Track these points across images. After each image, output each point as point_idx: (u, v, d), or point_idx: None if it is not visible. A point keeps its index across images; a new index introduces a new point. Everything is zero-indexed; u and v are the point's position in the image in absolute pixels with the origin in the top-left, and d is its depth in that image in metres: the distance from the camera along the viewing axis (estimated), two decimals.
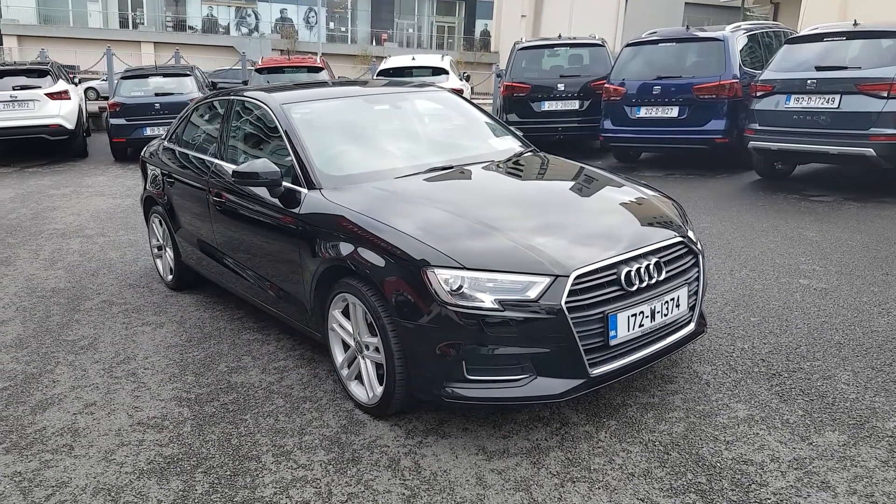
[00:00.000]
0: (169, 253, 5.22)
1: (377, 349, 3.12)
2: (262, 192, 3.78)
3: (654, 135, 9.00)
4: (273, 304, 4.01)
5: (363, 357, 3.26)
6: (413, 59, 12.69)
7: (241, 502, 2.70)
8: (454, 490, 2.70)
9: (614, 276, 2.90)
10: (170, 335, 4.42)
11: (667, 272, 3.07)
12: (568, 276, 2.78)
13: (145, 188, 5.42)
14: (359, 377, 3.35)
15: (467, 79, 13.95)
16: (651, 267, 3.00)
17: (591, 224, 3.24)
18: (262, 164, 3.63)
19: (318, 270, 3.39)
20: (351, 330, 3.30)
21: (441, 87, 4.76)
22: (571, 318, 2.75)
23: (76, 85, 13.62)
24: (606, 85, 9.55)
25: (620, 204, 3.51)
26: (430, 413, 3.26)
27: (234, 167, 4.07)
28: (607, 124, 9.49)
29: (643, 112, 9.09)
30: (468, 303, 2.77)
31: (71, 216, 7.93)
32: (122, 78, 11.97)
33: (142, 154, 5.66)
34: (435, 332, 2.84)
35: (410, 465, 2.88)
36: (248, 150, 4.29)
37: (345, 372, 3.42)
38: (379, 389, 3.16)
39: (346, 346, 3.42)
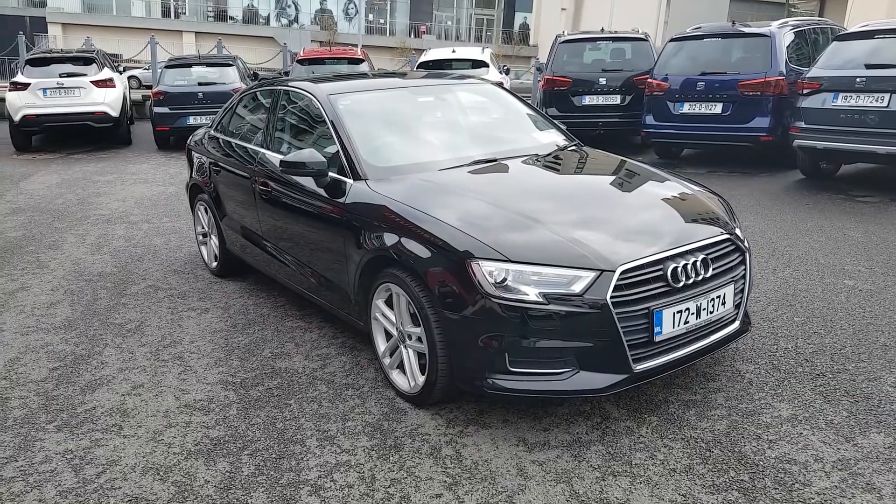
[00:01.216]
0: (214, 240, 5.32)
1: (420, 339, 3.15)
2: (307, 181, 3.84)
3: (697, 131, 8.88)
4: (316, 292, 4.07)
5: (405, 347, 3.29)
6: (453, 51, 12.69)
7: (286, 485, 2.76)
8: (495, 479, 2.72)
9: (660, 272, 2.89)
10: (215, 321, 4.51)
11: (713, 269, 3.05)
12: (614, 271, 2.78)
13: (191, 176, 5.53)
14: (400, 366, 3.39)
15: (507, 72, 13.90)
16: (698, 263, 2.98)
17: (636, 219, 3.22)
18: (309, 154, 3.68)
19: (362, 261, 3.43)
20: (394, 319, 3.34)
21: (485, 80, 4.76)
22: (616, 314, 2.75)
23: (120, 73, 13.90)
24: (649, 80, 9.44)
25: (667, 199, 3.48)
26: (470, 403, 3.29)
27: (280, 157, 4.14)
28: (649, 120, 9.39)
29: (686, 108, 8.97)
30: (512, 295, 2.79)
31: (116, 202, 8.12)
32: (166, 67, 12.19)
33: (188, 143, 5.77)
34: (478, 324, 2.86)
35: (452, 453, 2.91)
36: (293, 140, 4.35)
37: (387, 361, 3.46)
38: (421, 379, 3.19)
39: (388, 336, 3.47)
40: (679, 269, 2.91)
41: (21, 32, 17.80)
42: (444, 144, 4.02)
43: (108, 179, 9.49)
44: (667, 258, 2.92)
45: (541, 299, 2.75)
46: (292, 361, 3.87)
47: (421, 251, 3.08)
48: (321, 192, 3.74)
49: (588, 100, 10.58)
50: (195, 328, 4.40)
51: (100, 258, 5.98)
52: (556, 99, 10.69)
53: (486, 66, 12.03)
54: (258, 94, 5.03)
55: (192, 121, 11.38)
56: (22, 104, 11.25)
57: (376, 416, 3.23)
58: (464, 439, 3.01)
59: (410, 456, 2.91)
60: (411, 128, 4.15)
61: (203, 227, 5.49)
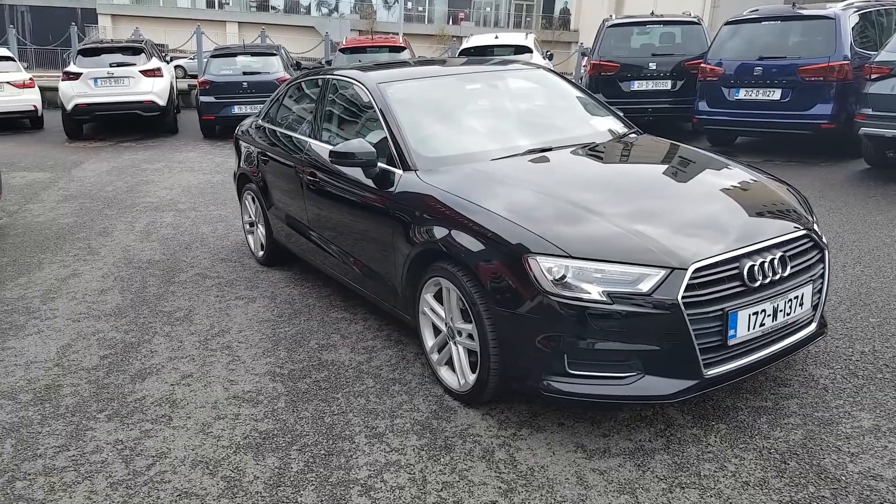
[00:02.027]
0: (261, 229, 5.28)
1: (471, 336, 3.04)
2: (356, 172, 3.75)
3: (754, 118, 8.54)
4: (362, 284, 3.99)
5: (455, 343, 3.18)
6: (496, 37, 12.46)
7: (336, 483, 2.68)
8: (553, 488, 2.60)
9: (736, 271, 2.71)
10: (262, 310, 4.47)
11: (791, 268, 2.85)
12: (686, 269, 2.61)
13: (239, 165, 5.50)
14: (449, 363, 3.28)
15: (550, 57, 13.62)
16: (775, 262, 2.79)
17: (706, 212, 3.04)
18: (359, 145, 3.59)
19: (411, 253, 3.33)
20: (443, 315, 3.23)
21: (537, 65, 4.60)
22: (688, 315, 2.59)
23: (168, 63, 14.06)
24: (703, 65, 9.12)
25: (739, 191, 3.29)
26: (522, 403, 3.17)
27: (329, 147, 4.07)
28: (702, 106, 9.08)
29: (742, 94, 8.63)
30: (573, 294, 2.65)
31: (163, 190, 8.19)
32: (212, 56, 12.27)
33: (235, 132, 5.74)
34: (535, 323, 2.73)
35: (505, 457, 2.80)
36: (341, 130, 4.26)
37: (435, 357, 3.36)
38: (471, 377, 3.08)
39: (436, 331, 3.36)
40: (756, 268, 2.73)
41: (73, 24, 18.14)
42: (495, 133, 3.88)
43: (156, 167, 9.59)
44: (742, 255, 2.74)
45: (604, 298, 2.61)
46: (338, 354, 3.80)
47: (473, 245, 2.96)
48: (369, 182, 3.65)
49: (637, 85, 10.28)
50: (242, 317, 4.37)
51: (148, 245, 6.01)
52: (603, 84, 10.41)
53: (530, 51, 11.78)
54: (306, 83, 4.96)
55: (237, 110, 11.42)
56: (74, 93, 11.45)
57: (425, 414, 3.13)
58: (517, 443, 2.89)
59: (462, 458, 2.81)
60: (462, 116, 4.02)
61: (250, 217, 5.46)
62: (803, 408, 3.06)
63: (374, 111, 3.86)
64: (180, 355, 3.86)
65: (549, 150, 3.67)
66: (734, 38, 8.94)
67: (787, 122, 8.27)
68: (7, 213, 7.25)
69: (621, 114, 4.35)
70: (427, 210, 3.25)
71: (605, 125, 4.13)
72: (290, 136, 4.69)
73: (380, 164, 3.62)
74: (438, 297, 3.27)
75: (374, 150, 3.57)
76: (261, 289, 4.88)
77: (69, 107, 11.50)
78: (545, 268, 2.69)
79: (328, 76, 4.54)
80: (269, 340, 4.01)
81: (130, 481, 2.75)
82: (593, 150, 3.75)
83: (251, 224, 5.50)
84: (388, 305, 3.75)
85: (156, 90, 11.82)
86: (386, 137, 3.68)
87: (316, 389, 3.41)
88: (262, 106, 11.11)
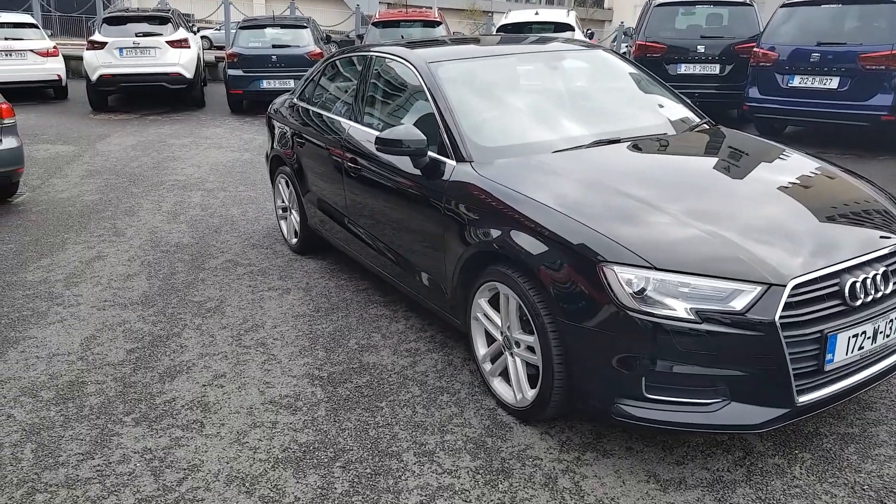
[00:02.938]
0: (295, 216, 5.03)
1: (531, 349, 2.77)
2: (402, 160, 3.46)
3: (808, 107, 8.10)
4: (404, 281, 3.72)
5: (512, 354, 2.92)
6: (536, 14, 12.01)
7: None
8: None
9: (836, 288, 2.41)
10: (297, 303, 4.23)
11: (895, 283, 2.55)
12: (784, 286, 2.32)
13: (272, 147, 5.23)
14: (504, 374, 3.02)
15: (590, 36, 13.16)
16: (878, 277, 2.49)
17: (803, 220, 2.73)
18: (407, 131, 3.30)
19: (464, 254, 3.05)
20: (499, 323, 2.96)
21: (597, 45, 4.26)
22: (784, 337, 2.30)
23: (195, 33, 13.79)
24: (756, 49, 8.67)
25: (835, 195, 2.98)
26: (584, 422, 2.90)
27: (371, 131, 3.79)
28: (753, 92, 8.64)
29: (797, 81, 8.19)
30: (655, 310, 2.36)
31: (191, 168, 7.96)
32: (240, 28, 11.96)
33: (268, 111, 5.46)
34: (609, 340, 2.45)
35: (570, 486, 2.54)
36: (386, 113, 3.97)
37: (487, 367, 3.09)
38: (530, 393, 2.81)
39: (489, 338, 3.10)
40: (857, 285, 2.42)
41: None
42: (557, 121, 3.57)
43: (183, 143, 9.37)
44: (844, 270, 2.44)
45: (691, 316, 2.32)
46: (380, 356, 3.55)
47: (537, 249, 2.68)
48: (417, 172, 3.37)
49: (684, 68, 9.84)
50: (277, 310, 4.13)
51: (176, 227, 5.79)
52: (649, 67, 9.89)
53: (572, 29, 11.33)
54: (345, 60, 4.66)
55: (265, 84, 11.15)
56: (99, 63, 11.23)
57: (477, 431, 2.88)
58: (582, 468, 2.63)
59: (522, 485, 2.55)
60: (519, 101, 3.71)
61: (283, 202, 5.21)
62: (894, 437, 2.76)
63: (423, 93, 3.57)
64: (212, 352, 3.64)
65: (617, 141, 3.36)
66: (790, 21, 8.48)
67: (843, 112, 7.83)
68: (30, 188, 7.07)
69: (690, 101, 4.02)
70: (483, 207, 2.97)
71: (675, 114, 3.80)
72: (329, 118, 4.41)
73: (430, 154, 3.34)
74: (494, 303, 3.00)
75: (423, 137, 3.29)
76: (295, 279, 4.64)
77: (94, 77, 11.28)
78: (623, 279, 2.40)
79: (370, 53, 4.24)
80: (305, 338, 3.77)
81: (160, 498, 2.53)
82: (667, 143, 3.44)
83: (284, 209, 5.25)
84: (434, 306, 3.49)
85: (182, 62, 11.56)
86: (436, 123, 3.39)
87: (358, 396, 3.16)
88: (291, 81, 11.04)
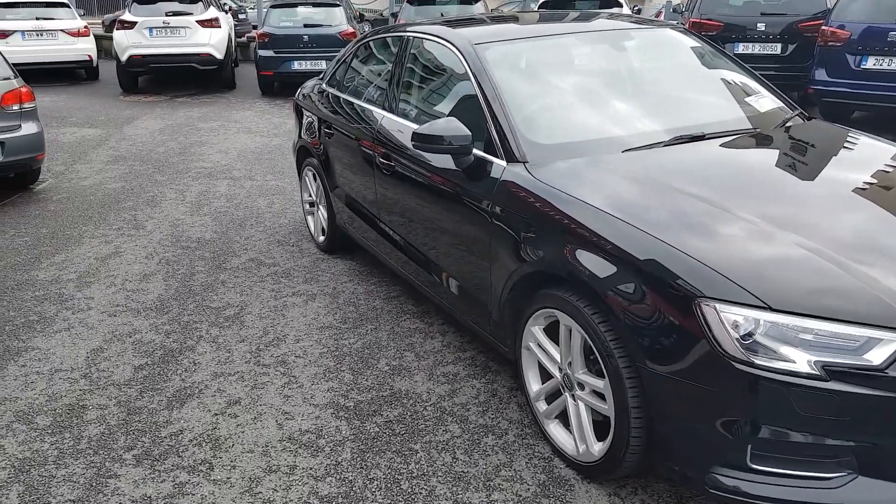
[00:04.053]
0: (322, 212, 4.61)
1: (599, 395, 2.31)
2: (443, 158, 3.00)
3: (884, 91, 7.39)
4: (441, 295, 3.29)
5: (574, 397, 2.45)
6: None
7: None
8: None
9: None
10: (322, 312, 3.82)
11: None
12: None
13: (299, 136, 4.80)
14: (561, 416, 2.57)
15: (638, 12, 12.45)
16: None
17: None
18: (449, 126, 2.84)
19: (516, 272, 2.59)
20: (557, 357, 2.50)
21: (664, 22, 3.72)
22: None
23: (226, 13, 13.42)
24: (824, 27, 7.95)
25: None
26: (660, 482, 2.43)
27: (409, 123, 3.34)
28: (820, 74, 7.94)
29: (871, 63, 7.48)
30: (768, 362, 1.88)
31: (218, 154, 7.60)
32: (271, 7, 11.54)
33: (296, 96, 5.03)
34: (705, 395, 1.98)
35: None
36: (425, 103, 3.51)
37: (541, 407, 2.64)
38: (596, 447, 2.35)
39: (544, 373, 2.64)
40: None
41: None
42: (626, 113, 3.07)
43: (212, 127, 9.01)
44: None
45: (816, 371, 1.83)
46: (414, 381, 3.12)
47: (610, 275, 2.21)
48: (461, 173, 2.91)
49: (742, 48, 9.14)
50: (301, 321, 3.73)
51: (199, 220, 5.42)
52: None
53: (619, 4, 10.67)
54: (378, 42, 4.19)
55: (296, 66, 10.72)
56: (129, 44, 10.92)
57: (531, 488, 2.43)
58: None
59: None
60: (581, 89, 3.20)
61: (311, 196, 4.79)
62: None
63: (467, 80, 3.09)
64: (227, 370, 3.25)
65: (701, 138, 2.84)
66: None
67: None
68: (53, 174, 6.78)
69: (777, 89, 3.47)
70: (541, 219, 2.50)
71: (764, 104, 3.25)
72: (360, 107, 3.96)
73: (475, 152, 2.87)
74: (552, 333, 2.54)
75: (468, 133, 2.81)
76: (321, 283, 4.23)
77: (123, 58, 10.98)
78: (729, 321, 1.92)
79: (406, 33, 3.77)
80: (330, 355, 3.36)
81: None
82: (762, 141, 2.91)
83: (311, 204, 4.83)
84: (476, 327, 3.04)
85: (213, 42, 11.19)
86: (483, 116, 2.92)
87: (389, 435, 2.74)
88: (323, 62, 10.59)
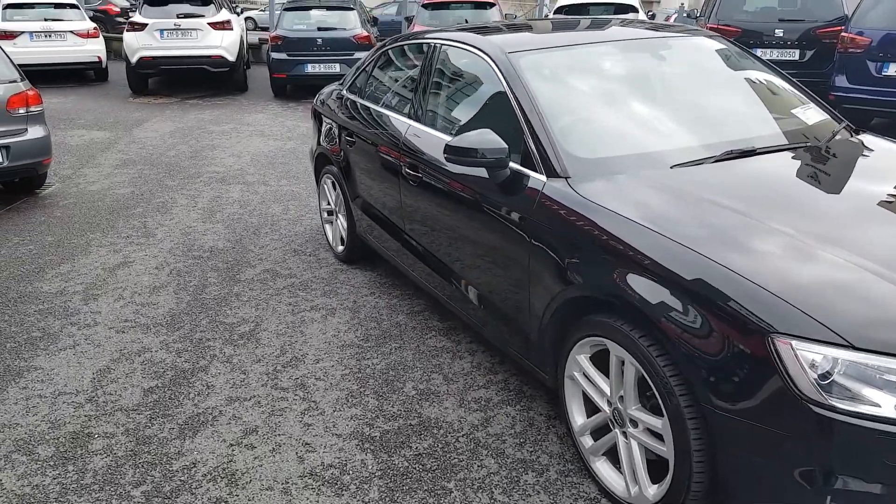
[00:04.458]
0: (341, 221, 4.41)
1: (655, 434, 2.09)
2: (477, 171, 2.79)
3: None
4: (472, 314, 3.08)
5: (626, 434, 2.24)
6: None
7: None
8: None
9: None
10: (343, 328, 3.62)
11: None
12: None
13: (318, 143, 4.60)
14: (610, 454, 2.35)
15: (652, 17, 12.24)
16: None
17: None
18: (483, 138, 2.63)
19: (558, 296, 2.39)
20: (607, 390, 2.29)
21: (701, 30, 3.50)
22: None
23: (238, 14, 13.27)
24: (844, 34, 7.73)
25: None
26: None
27: (438, 133, 3.16)
28: (840, 81, 7.71)
29: (893, 70, 7.25)
30: (849, 405, 1.67)
31: (231, 158, 7.42)
32: (285, 9, 11.37)
33: (314, 102, 4.83)
34: (777, 439, 1.77)
35: None
36: (454, 114, 3.30)
37: (587, 442, 2.42)
38: (652, 490, 2.14)
39: (589, 403, 2.43)
40: None
41: None
42: (670, 125, 2.85)
43: (224, 130, 8.84)
44: None
45: None
46: (443, 408, 2.91)
47: (669, 303, 2.00)
48: (496, 188, 2.70)
49: (759, 54, 8.88)
50: (320, 338, 3.53)
51: (212, 228, 5.23)
52: None
53: (636, 10, 10.46)
54: (402, 49, 3.99)
55: (310, 69, 10.55)
56: (139, 45, 10.77)
57: None
58: None
59: None
60: (622, 100, 2.99)
61: (329, 204, 4.59)
62: None
63: (501, 91, 2.88)
64: (243, 395, 3.04)
65: (752, 153, 2.63)
66: (884, 2, 7.53)
67: None
68: (60, 178, 6.61)
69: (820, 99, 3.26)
70: (587, 239, 2.29)
71: (810, 116, 3.04)
72: (384, 116, 3.76)
73: (512, 165, 2.67)
74: (599, 363, 2.32)
75: (504, 146, 2.61)
76: (340, 296, 4.02)
77: (133, 60, 10.83)
78: (806, 359, 1.71)
79: (433, 41, 3.56)
80: (353, 377, 3.16)
81: None
82: (815, 156, 2.70)
83: (330, 213, 4.63)
84: (513, 351, 2.83)
85: (225, 44, 11.03)
86: (520, 128, 2.71)
87: (419, 470, 2.53)
88: (337, 65, 10.42)
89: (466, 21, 9.76)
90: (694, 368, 1.92)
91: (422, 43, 3.71)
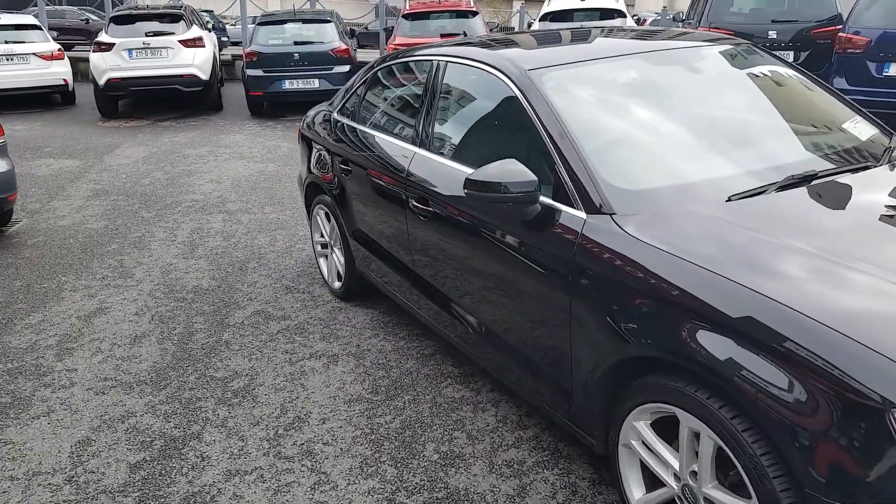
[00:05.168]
0: (337, 255, 4.08)
1: None
2: (502, 206, 2.47)
3: None
4: (493, 362, 2.77)
5: None
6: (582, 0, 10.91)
7: None
8: None
9: None
10: (348, 379, 3.28)
11: None
12: None
13: (309, 170, 4.25)
14: None
15: (638, 23, 12.05)
16: None
17: None
18: (509, 169, 2.32)
19: (610, 354, 2.08)
20: (675, 464, 1.98)
21: (735, 39, 3.22)
22: None
23: (210, 31, 12.87)
24: (842, 34, 7.58)
25: None
26: None
27: (449, 162, 2.85)
28: (839, 83, 7.54)
29: (893, 70, 7.09)
30: None
31: (209, 184, 7.04)
32: (259, 24, 11.01)
33: (302, 125, 4.49)
34: None
35: None
36: (466, 140, 2.98)
37: None
38: None
39: (647, 473, 2.12)
40: None
41: None
42: (720, 148, 2.55)
43: (200, 153, 8.45)
44: None
45: None
46: (471, 475, 2.58)
47: (753, 366, 1.70)
48: (522, 224, 2.39)
49: None
50: (324, 392, 3.18)
51: (194, 265, 4.86)
52: None
53: (623, 15, 10.25)
54: (400, 67, 3.67)
55: (287, 85, 10.19)
56: (106, 66, 10.32)
57: None
58: None
59: None
60: (662, 121, 2.68)
61: (323, 237, 4.24)
62: None
63: (521, 112, 2.57)
64: (243, 467, 2.69)
65: (815, 177, 2.34)
66: (880, 1, 7.38)
67: None
68: (27, 213, 6.18)
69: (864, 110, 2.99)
70: (644, 288, 1.98)
71: (862, 131, 2.76)
72: (384, 141, 3.43)
73: (543, 200, 2.36)
74: (663, 430, 2.01)
75: (533, 178, 2.30)
76: (341, 339, 3.68)
77: (101, 81, 10.38)
78: None
79: (435, 57, 3.25)
80: (365, 440, 2.81)
81: None
82: (883, 178, 2.41)
83: (324, 246, 4.29)
84: (545, 406, 2.51)
85: (197, 62, 10.63)
86: (550, 156, 2.40)
87: None
88: (316, 81, 10.05)
89: (465, 34, 9.40)
90: (793, 448, 1.61)
91: (422, 60, 3.39)
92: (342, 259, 4.01)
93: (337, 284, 4.16)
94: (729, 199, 2.21)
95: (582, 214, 2.24)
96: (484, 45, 3.17)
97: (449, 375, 3.29)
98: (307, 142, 4.28)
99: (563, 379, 2.34)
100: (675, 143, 2.55)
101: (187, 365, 3.50)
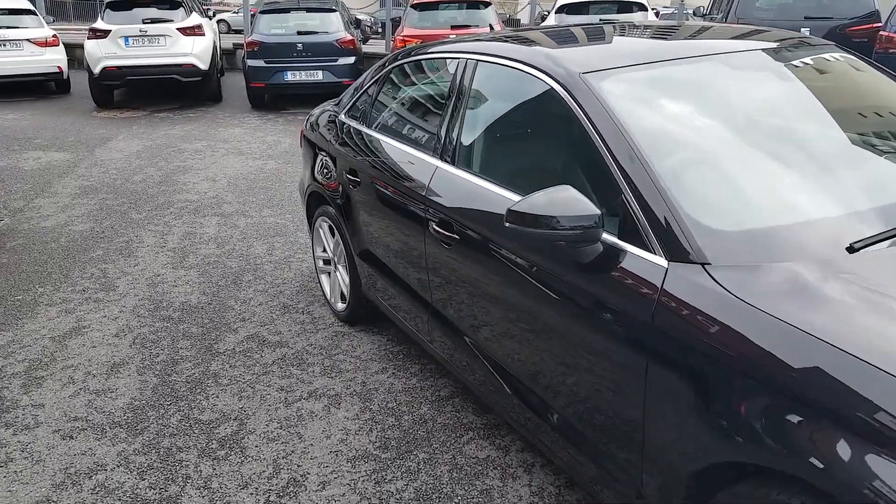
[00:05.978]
0: (342, 273, 3.62)
1: None
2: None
3: None
4: (523, 420, 2.30)
5: None
6: None
7: None
8: None
9: None
10: (352, 428, 2.82)
11: None
12: None
13: (311, 177, 3.77)
14: None
15: (655, 15, 11.53)
16: None
17: None
18: (563, 199, 1.85)
19: (701, 455, 1.61)
20: None
21: (823, 41, 2.72)
22: None
23: (210, 19, 12.35)
24: (883, 33, 7.10)
25: None
26: None
27: (488, 186, 2.36)
28: None
29: None
30: None
31: (205, 182, 6.56)
32: (261, 13, 10.50)
33: (304, 126, 4.02)
34: None
35: None
36: (505, 157, 2.50)
37: None
38: None
39: None
40: None
41: None
42: (836, 178, 2.06)
43: (197, 148, 7.97)
44: None
45: None
46: None
47: None
48: (580, 266, 1.92)
49: None
50: (324, 445, 2.72)
51: (183, 276, 4.39)
52: None
53: (644, 9, 9.72)
54: (419, 65, 3.18)
55: (290, 77, 9.69)
56: (102, 54, 9.82)
57: None
58: None
59: None
60: (758, 141, 2.18)
61: (326, 252, 3.77)
62: None
63: (577, 126, 2.09)
64: None
65: None
66: None
67: None
68: (10, 212, 5.72)
69: None
70: (758, 372, 1.50)
71: None
72: (400, 151, 2.95)
73: (607, 238, 1.88)
74: None
75: (595, 210, 1.82)
76: (344, 375, 3.22)
77: (96, 70, 9.87)
78: None
79: (464, 55, 2.76)
80: None
81: None
82: None
83: (326, 262, 3.82)
84: (593, 487, 2.05)
85: (196, 51, 10.12)
86: (615, 184, 1.92)
87: None
88: (319, 73, 9.55)
89: (491, 28, 8.81)
90: None
91: (446, 58, 2.91)
92: (347, 279, 3.55)
93: (340, 306, 3.70)
94: (851, 248, 1.72)
95: (662, 262, 1.76)
96: (521, 40, 2.69)
97: (470, 427, 2.82)
98: (310, 145, 3.80)
99: (627, 466, 1.88)
100: (777, 170, 2.05)
101: (169, 403, 3.04)
